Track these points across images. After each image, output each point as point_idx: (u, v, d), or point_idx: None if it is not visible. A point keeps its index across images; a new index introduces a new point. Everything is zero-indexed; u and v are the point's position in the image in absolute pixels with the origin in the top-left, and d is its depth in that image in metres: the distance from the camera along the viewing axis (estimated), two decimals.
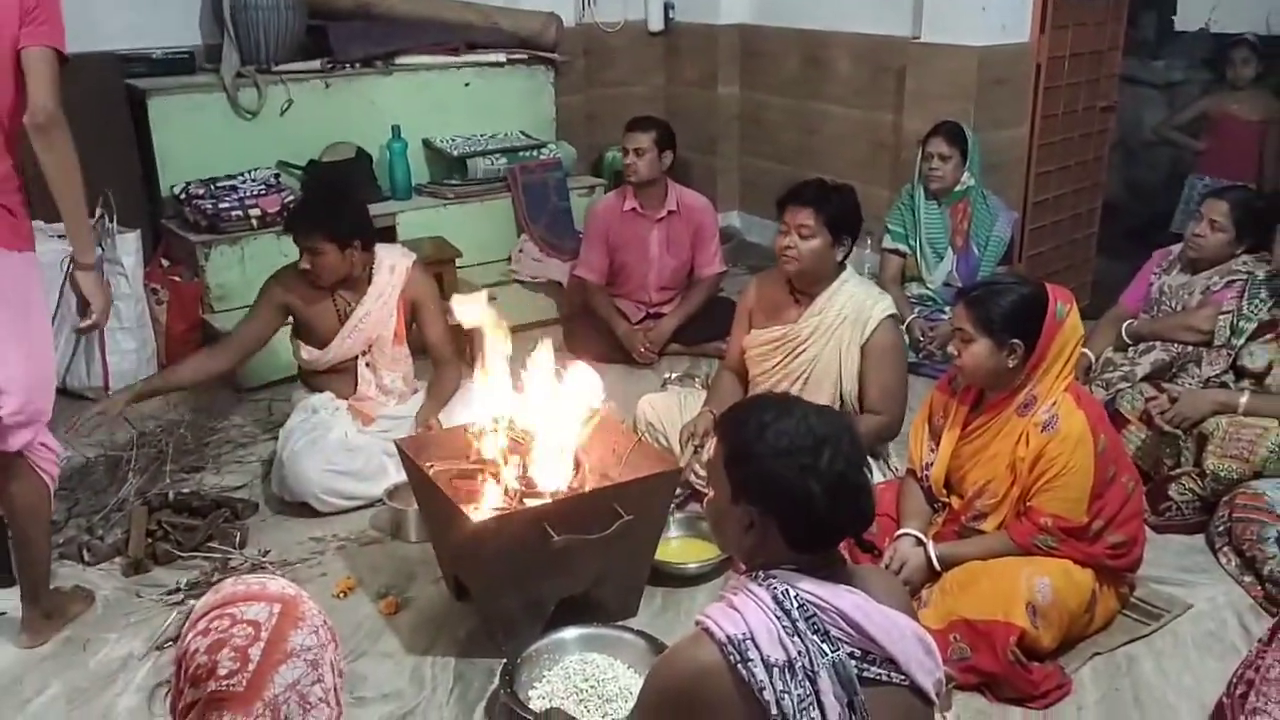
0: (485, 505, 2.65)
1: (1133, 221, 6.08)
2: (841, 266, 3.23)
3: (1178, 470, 3.21)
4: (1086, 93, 4.87)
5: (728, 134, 6.15)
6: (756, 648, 1.56)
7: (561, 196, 5.03)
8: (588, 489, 2.68)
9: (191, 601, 2.86)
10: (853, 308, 3.18)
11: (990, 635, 2.47)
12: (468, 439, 2.85)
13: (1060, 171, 4.85)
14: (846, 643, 1.60)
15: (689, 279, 4.61)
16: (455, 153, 4.92)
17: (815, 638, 1.58)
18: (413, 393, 3.59)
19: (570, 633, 2.57)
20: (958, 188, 4.40)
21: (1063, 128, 4.79)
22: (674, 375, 4.09)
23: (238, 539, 3.15)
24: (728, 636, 1.58)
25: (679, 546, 3.06)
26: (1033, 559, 2.60)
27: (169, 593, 2.93)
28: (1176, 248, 3.82)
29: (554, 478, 2.71)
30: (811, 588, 1.62)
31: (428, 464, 2.76)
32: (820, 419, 1.65)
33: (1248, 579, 2.91)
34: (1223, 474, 3.07)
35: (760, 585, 1.63)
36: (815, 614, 1.60)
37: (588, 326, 4.52)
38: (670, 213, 4.49)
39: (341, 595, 2.93)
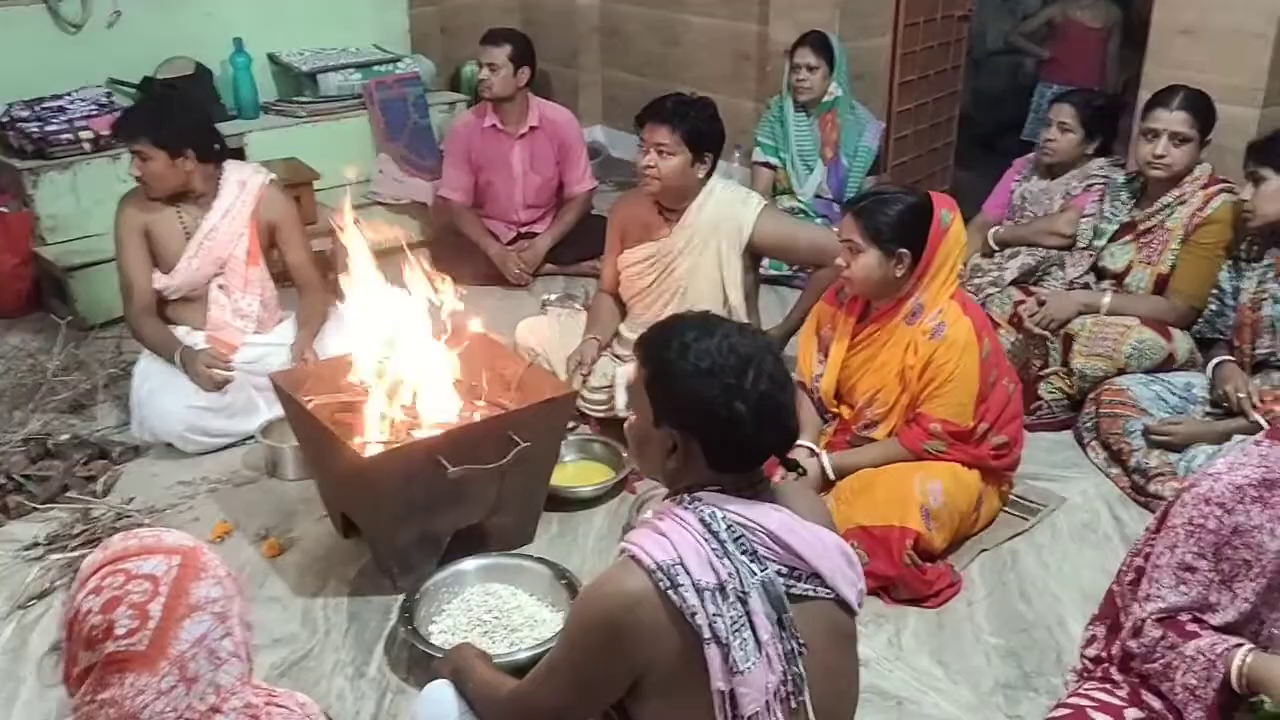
0: (373, 439, 2.54)
1: (981, 130, 6.23)
2: (706, 179, 3.17)
3: (1046, 370, 3.33)
4: (944, 1, 4.91)
5: (588, 46, 5.99)
6: (686, 572, 1.54)
7: (421, 114, 4.82)
8: (480, 418, 2.60)
9: (54, 556, 2.68)
10: (722, 213, 3.15)
11: (887, 540, 2.52)
12: (347, 369, 2.72)
13: (921, 80, 4.90)
14: (774, 561, 1.59)
15: (559, 197, 4.51)
16: (304, 68, 4.65)
17: (744, 558, 1.56)
18: (277, 321, 3.43)
19: (469, 564, 2.52)
20: (826, 98, 4.40)
21: (923, 36, 4.83)
22: (553, 297, 4.01)
23: (99, 487, 2.95)
24: (656, 563, 1.54)
25: (573, 470, 3.02)
26: (923, 464, 2.65)
27: (27, 548, 2.73)
28: (1033, 155, 3.91)
29: (443, 407, 2.62)
30: (738, 508, 1.60)
31: (307, 398, 2.63)
32: (743, 338, 1.61)
33: (1115, 471, 3.05)
34: (1089, 372, 3.19)
35: (686, 509, 1.60)
36: (743, 534, 1.58)
37: (457, 249, 4.38)
38: (532, 128, 4.36)
39: (218, 540, 2.79)
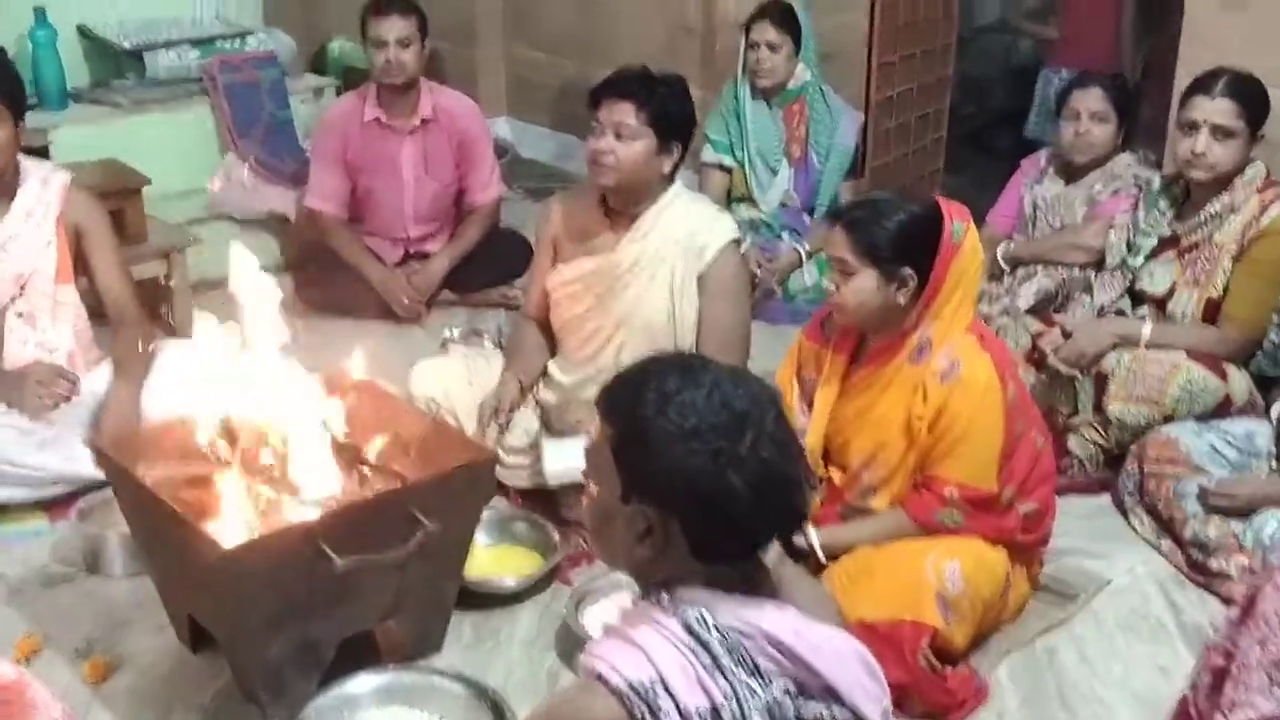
0: (231, 522, 2.44)
1: (969, 124, 6.34)
2: (670, 179, 3.15)
3: (1076, 418, 3.34)
4: None
5: (488, 19, 6.03)
6: (670, 694, 1.48)
7: (279, 103, 4.77)
8: (374, 492, 2.52)
9: None
10: (685, 230, 3.13)
11: (897, 639, 2.48)
12: (191, 432, 2.61)
13: (905, 62, 4.97)
14: (780, 675, 1.54)
15: (458, 208, 4.48)
16: (126, 44, 4.59)
17: (743, 674, 1.51)
18: (95, 362, 3.35)
19: (361, 682, 2.43)
20: (791, 84, 4.43)
21: (906, 8, 4.90)
22: (455, 333, 3.96)
23: None
24: (630, 683, 1.48)
25: (490, 557, 2.95)
26: (936, 540, 2.63)
27: None
28: (1044, 154, 3.96)
29: (322, 479, 2.53)
30: (732, 609, 1.55)
31: (142, 471, 2.52)
32: (737, 387, 1.56)
33: (1165, 544, 3.06)
34: (1129, 420, 3.21)
35: (666, 611, 1.54)
36: (740, 643, 1.53)
37: (328, 273, 4.31)
38: (425, 122, 4.33)
39: (24, 660, 2.65)
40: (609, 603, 2.76)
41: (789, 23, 4.32)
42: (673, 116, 3.08)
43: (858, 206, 2.66)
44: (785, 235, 4.42)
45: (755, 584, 1.59)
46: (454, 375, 3.37)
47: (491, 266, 4.40)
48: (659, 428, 1.53)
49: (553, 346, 3.35)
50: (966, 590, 2.57)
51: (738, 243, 3.18)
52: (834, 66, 4.68)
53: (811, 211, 4.51)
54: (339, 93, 4.95)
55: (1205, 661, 2.04)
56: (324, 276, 4.32)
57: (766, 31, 4.32)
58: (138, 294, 3.41)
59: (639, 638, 1.53)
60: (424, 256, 4.42)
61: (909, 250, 2.59)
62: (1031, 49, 6.54)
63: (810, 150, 4.48)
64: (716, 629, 1.52)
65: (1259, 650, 1.92)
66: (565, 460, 3.04)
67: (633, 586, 2.72)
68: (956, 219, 2.63)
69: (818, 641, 1.57)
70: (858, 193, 4.50)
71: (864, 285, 2.61)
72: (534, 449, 3.16)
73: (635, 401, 1.56)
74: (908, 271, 2.59)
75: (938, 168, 5.40)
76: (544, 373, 3.33)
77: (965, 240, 2.63)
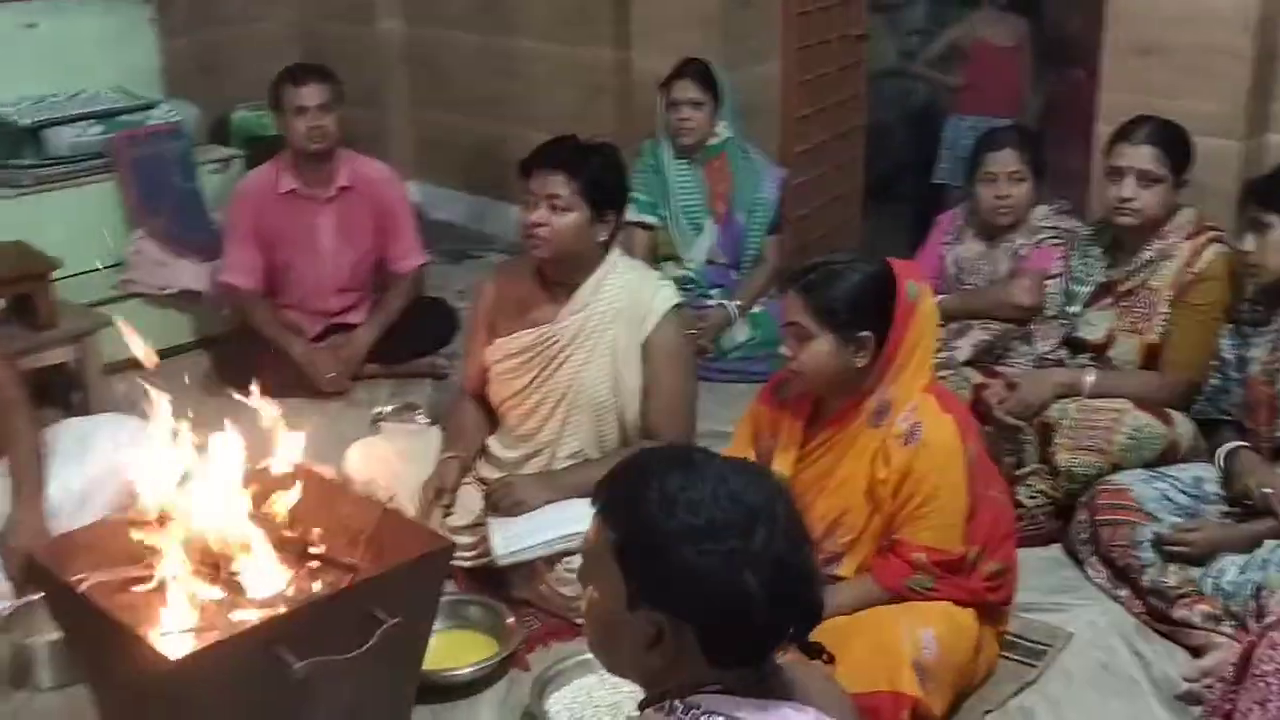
0: (175, 629, 2.29)
1: (874, 173, 6.36)
2: (606, 248, 3.09)
3: (1022, 470, 3.32)
4: (838, 18, 5.00)
5: (393, 81, 5.95)
6: None
7: (187, 175, 4.63)
8: (328, 588, 2.38)
9: None
10: (627, 298, 3.07)
11: (876, 712, 2.41)
12: (123, 531, 2.46)
13: (820, 114, 4.97)
14: None
15: (378, 276, 4.38)
16: (24, 121, 4.38)
17: None
18: None
19: None
20: (712, 141, 4.41)
21: (817, 61, 4.90)
22: (387, 409, 3.84)
23: None
24: None
25: (442, 645, 2.81)
26: (908, 606, 2.58)
27: None
28: (960, 213, 3.94)
29: (268, 577, 2.39)
30: (752, 715, 1.45)
31: (75, 577, 2.36)
32: (744, 479, 1.49)
33: (1123, 593, 3.04)
34: (1078, 470, 3.19)
35: None
36: None
37: (246, 350, 4.14)
38: (343, 190, 4.24)
39: None
40: (574, 689, 2.67)
41: (709, 81, 4.30)
42: (606, 186, 3.03)
43: (811, 270, 2.61)
44: (714, 293, 4.36)
45: (771, 685, 1.51)
46: (391, 455, 3.27)
47: (417, 336, 4.30)
48: (667, 529, 1.44)
49: (492, 422, 3.25)
50: (942, 656, 2.52)
51: (680, 308, 3.12)
52: (752, 122, 4.65)
53: (738, 267, 4.47)
54: (247, 163, 4.81)
55: None
56: (241, 353, 4.16)
57: (688, 89, 4.29)
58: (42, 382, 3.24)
59: None
60: (346, 328, 4.30)
61: (866, 313, 2.56)
62: (927, 93, 6.60)
63: (733, 206, 4.44)
64: None
65: (1259, 711, 1.88)
66: (514, 541, 2.95)
67: (599, 669, 2.68)
68: (911, 279, 2.61)
69: None
70: (781, 247, 4.49)
71: (821, 349, 2.56)
72: (478, 529, 3.06)
73: (638, 501, 1.47)
74: (865, 334, 2.55)
75: (853, 216, 5.40)
76: (484, 450, 3.23)
77: (921, 300, 2.61)
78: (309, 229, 4.21)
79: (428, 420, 3.70)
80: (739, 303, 4.36)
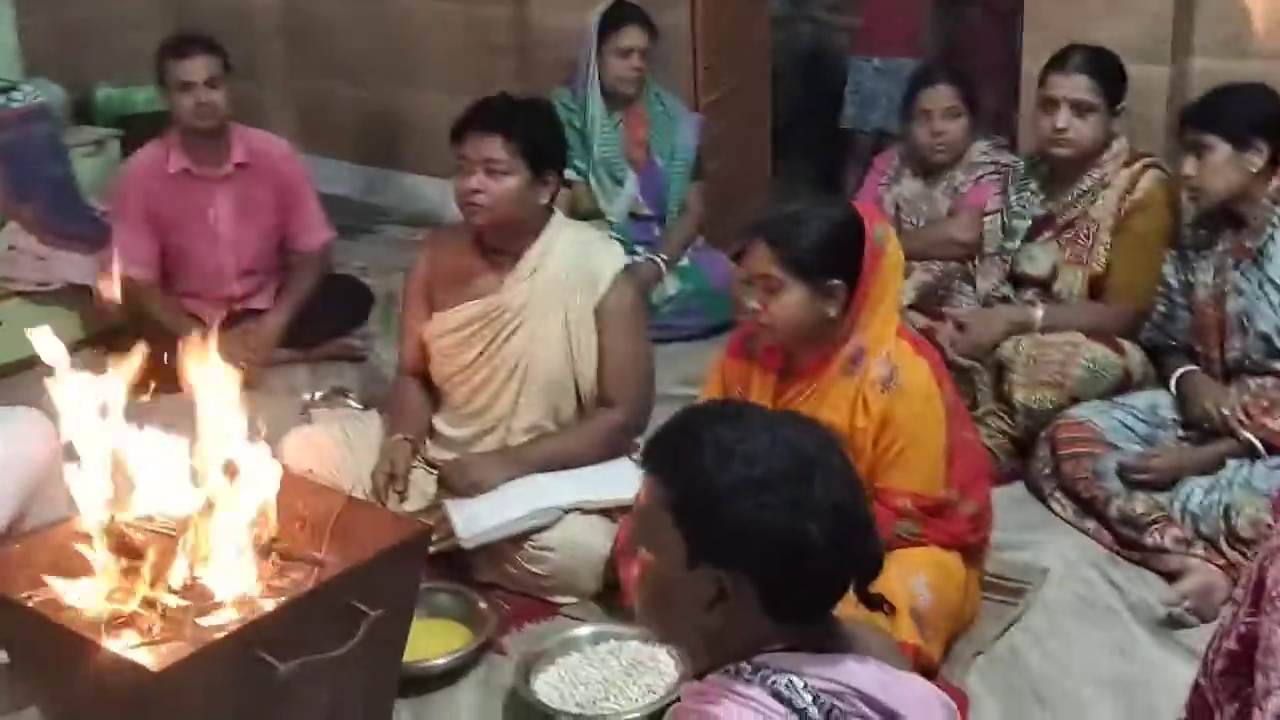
0: (141, 640, 2.24)
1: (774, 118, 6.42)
2: (549, 210, 3.10)
3: (978, 410, 3.42)
4: None
5: (269, 49, 5.83)
6: None
7: (58, 160, 4.50)
8: (299, 584, 2.35)
9: None
10: (574, 262, 3.08)
11: None
12: (68, 540, 2.40)
13: (726, 62, 4.99)
14: None
15: (282, 256, 4.31)
16: None
17: None
18: None
19: None
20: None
21: (722, 7, 4.92)
22: (317, 395, 3.78)
23: None
24: None
25: (415, 635, 2.75)
26: (896, 555, 2.62)
27: None
28: (895, 152, 4.04)
29: (233, 577, 2.36)
30: (817, 669, 1.49)
31: (24, 595, 2.29)
32: (797, 429, 1.52)
33: (1090, 525, 3.15)
34: (1036, 406, 3.30)
35: (749, 682, 1.47)
36: (833, 705, 1.47)
37: (148, 344, 4.01)
38: (239, 166, 4.14)
39: None
40: (559, 668, 2.68)
41: (652, 26, 4.34)
42: (545, 144, 3.03)
43: (776, 219, 2.63)
44: (639, 249, 4.37)
45: (832, 639, 1.54)
46: (329, 443, 3.20)
47: (329, 317, 4.23)
48: (727, 482, 1.47)
49: (435, 402, 3.24)
50: (935, 602, 2.59)
51: (630, 269, 3.14)
52: (659, 72, 4.66)
53: (662, 220, 4.50)
54: (123, 144, 4.67)
55: (1217, 646, 2.07)
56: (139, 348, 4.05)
57: (637, 37, 4.31)
58: None
59: (723, 715, 1.45)
60: (252, 315, 4.20)
61: (836, 260, 2.59)
62: (813, 37, 6.68)
63: (653, 154, 4.47)
64: (809, 693, 1.47)
65: None
66: (477, 523, 2.94)
67: (583, 647, 2.70)
68: (877, 223, 2.65)
69: (905, 694, 1.53)
70: (704, 195, 4.53)
71: (793, 301, 2.59)
72: (433, 512, 3.04)
73: (692, 457, 1.49)
74: (837, 282, 2.59)
75: (763, 168, 5.45)
76: (430, 430, 3.21)
77: (887, 244, 2.65)
78: (205, 211, 4.09)
79: (360, 404, 3.65)
80: (664, 256, 4.38)
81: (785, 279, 2.58)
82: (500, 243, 3.08)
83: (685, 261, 4.44)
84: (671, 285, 4.34)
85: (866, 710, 1.49)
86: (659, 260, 4.33)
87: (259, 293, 4.27)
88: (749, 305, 2.67)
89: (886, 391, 2.61)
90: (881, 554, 1.57)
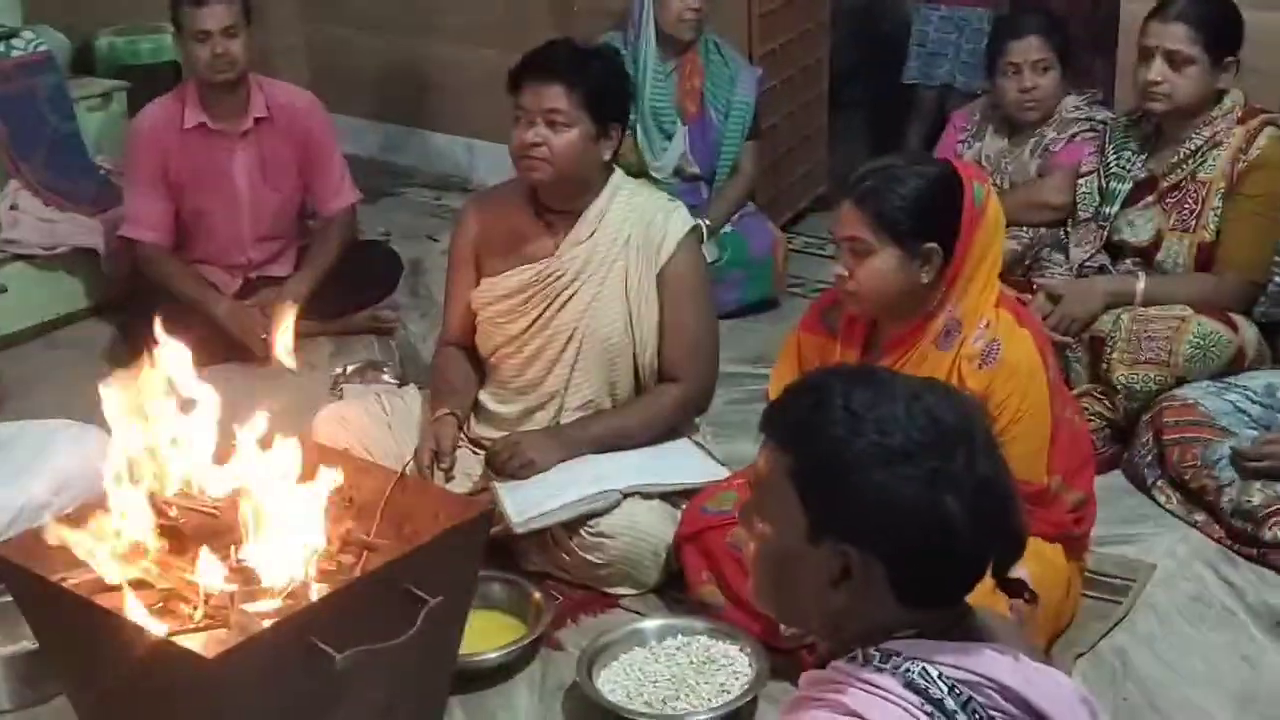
0: (182, 625, 2.25)
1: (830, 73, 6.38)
2: (610, 167, 3.09)
3: (1073, 390, 3.38)
4: None
5: None
6: None
7: (63, 114, 4.55)
8: (354, 570, 2.35)
9: None
10: (637, 223, 3.07)
11: None
12: (102, 521, 2.40)
13: (784, 9, 4.96)
14: None
15: (302, 220, 4.34)
16: None
17: None
18: None
19: None
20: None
21: None
22: (348, 369, 3.78)
23: None
24: None
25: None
26: None
27: None
28: (977, 106, 4.00)
29: (279, 561, 2.36)
30: (952, 659, 1.47)
31: (59, 576, 2.30)
32: (937, 396, 1.49)
33: (1199, 518, 3.13)
34: (1138, 386, 3.28)
35: (881, 671, 1.45)
36: (971, 699, 1.45)
37: (163, 314, 4.01)
38: (259, 122, 4.15)
39: None
40: (623, 664, 2.68)
41: None
42: (610, 95, 3.02)
43: (866, 176, 2.61)
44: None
45: (965, 626, 1.52)
46: (369, 420, 3.20)
47: (355, 286, 4.24)
48: (858, 450, 1.44)
49: (481, 374, 3.23)
50: (1038, 597, 2.56)
51: (698, 232, 3.12)
52: (716, 17, 4.64)
53: (710, 180, 4.47)
54: (131, 97, 4.67)
55: None
56: (154, 318, 4.05)
57: None
58: None
59: (853, 705, 1.43)
60: (269, 282, 4.21)
61: (931, 221, 2.56)
62: None
63: (707, 107, 4.44)
64: (945, 684, 1.45)
65: None
66: (530, 507, 2.93)
67: (648, 642, 2.69)
68: (976, 181, 2.63)
69: (1048, 687, 1.50)
70: (759, 156, 4.50)
71: (884, 266, 2.56)
72: (479, 495, 3.03)
73: (822, 421, 1.47)
74: (932, 245, 2.56)
75: (820, 126, 5.43)
76: (476, 406, 3.20)
77: (988, 204, 2.62)
78: (222, 170, 4.11)
79: (396, 379, 3.65)
80: (709, 221, 4.35)
81: (875, 241, 2.55)
82: (557, 201, 3.06)
83: (727, 228, 4.41)
84: (710, 252, 4.28)
85: (1005, 704, 1.47)
86: (702, 225, 4.29)
87: (278, 259, 4.28)
88: (836, 271, 2.65)
89: (985, 367, 2.59)
90: (1025, 534, 1.54)
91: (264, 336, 4.01)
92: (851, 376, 1.53)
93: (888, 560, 1.46)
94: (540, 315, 3.08)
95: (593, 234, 3.05)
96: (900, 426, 1.45)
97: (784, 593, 1.55)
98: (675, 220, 3.08)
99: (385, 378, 3.70)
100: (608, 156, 3.05)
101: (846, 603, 1.49)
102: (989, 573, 1.53)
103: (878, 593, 1.48)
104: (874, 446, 1.45)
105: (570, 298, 3.06)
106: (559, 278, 3.05)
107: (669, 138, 4.42)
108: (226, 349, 3.99)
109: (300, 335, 4.07)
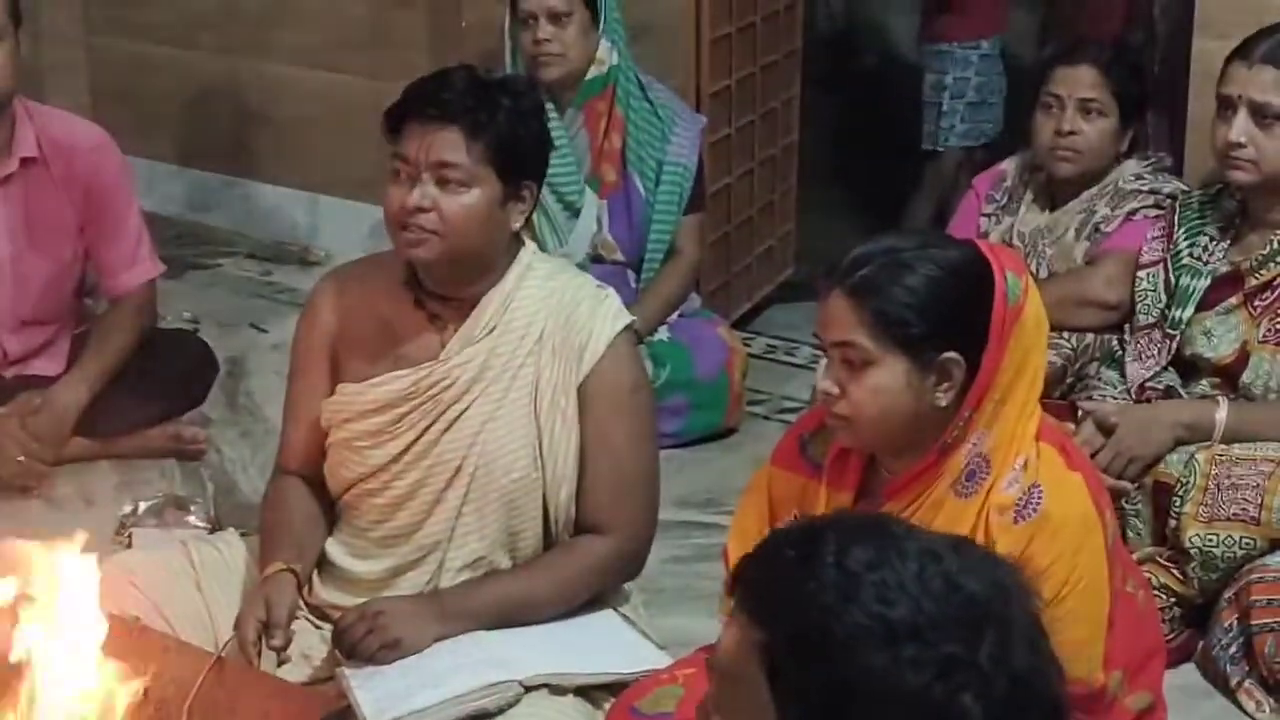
0: None
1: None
2: (519, 240, 3.16)
3: (1133, 555, 3.45)
4: None
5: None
6: None
7: None
8: None
9: None
10: (554, 315, 3.12)
11: None
12: None
13: (743, 34, 5.08)
14: None
15: (79, 299, 4.42)
16: None
17: None
18: None
19: None
20: (592, 72, 4.49)
21: None
22: (140, 506, 3.78)
23: None
24: None
25: None
26: None
27: None
28: (1008, 168, 4.10)
29: None
30: None
31: None
32: (966, 558, 1.54)
33: None
34: (1217, 551, 3.35)
35: None
36: None
37: None
38: (27, 162, 4.21)
39: None
40: None
41: None
42: (522, 143, 3.06)
43: (862, 262, 2.65)
44: None
45: None
46: (170, 577, 3.20)
47: (151, 393, 4.27)
48: (847, 624, 1.48)
49: (331, 513, 3.25)
50: None
51: (630, 331, 3.16)
52: (648, 47, 4.75)
53: (639, 269, 4.53)
54: None
55: None
56: None
57: None
58: None
59: None
60: (32, 383, 4.24)
61: (950, 323, 2.60)
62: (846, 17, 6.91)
63: (631, 172, 4.52)
64: None
65: None
66: (392, 705, 2.92)
67: None
68: (1010, 271, 2.67)
69: None
70: (703, 235, 4.59)
71: (887, 383, 2.60)
72: (323, 682, 3.04)
73: (803, 583, 1.51)
74: (951, 356, 2.60)
75: (790, 186, 5.54)
76: (321, 561, 3.21)
77: (1026, 301, 2.66)
78: None
79: (206, 522, 3.65)
80: (637, 326, 4.40)
81: (875, 349, 2.59)
82: (446, 286, 3.10)
83: (663, 335, 4.49)
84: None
85: None
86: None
87: (44, 352, 4.32)
88: (821, 387, 2.69)
89: (1022, 521, 2.62)
90: None
91: (20, 459, 4.03)
92: (852, 527, 1.57)
93: None
94: (417, 439, 3.10)
95: (493, 330, 3.09)
96: (908, 594, 1.49)
97: None
98: (605, 313, 3.12)
99: (192, 519, 3.73)
100: (517, 226, 3.10)
101: None
102: None
103: None
104: (871, 619, 1.48)
105: (459, 416, 3.09)
106: (445, 388, 3.08)
107: (576, 214, 4.50)
108: None
109: (74, 459, 4.16)
